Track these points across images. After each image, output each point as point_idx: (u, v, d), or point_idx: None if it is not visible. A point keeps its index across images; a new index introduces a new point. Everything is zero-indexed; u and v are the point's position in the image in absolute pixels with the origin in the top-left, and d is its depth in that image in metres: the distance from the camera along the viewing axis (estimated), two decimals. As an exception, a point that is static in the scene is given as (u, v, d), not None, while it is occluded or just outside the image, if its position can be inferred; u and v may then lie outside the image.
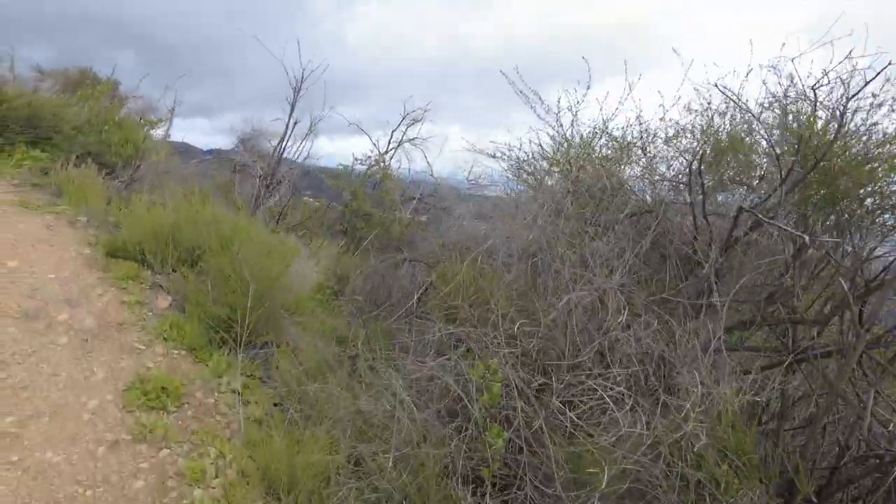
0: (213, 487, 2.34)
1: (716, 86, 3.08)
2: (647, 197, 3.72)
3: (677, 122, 3.76)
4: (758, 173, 3.64)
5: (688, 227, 3.52)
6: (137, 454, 2.44)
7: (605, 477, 2.04)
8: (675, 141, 3.62)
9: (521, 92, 4.07)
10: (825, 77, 2.85)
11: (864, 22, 2.72)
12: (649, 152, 3.81)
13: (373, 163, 10.40)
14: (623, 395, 2.38)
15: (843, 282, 2.54)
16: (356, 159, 10.21)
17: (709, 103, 3.44)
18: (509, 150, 4.49)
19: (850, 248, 3.08)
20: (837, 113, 2.81)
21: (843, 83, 2.79)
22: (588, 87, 3.86)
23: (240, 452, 2.54)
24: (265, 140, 12.45)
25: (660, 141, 3.79)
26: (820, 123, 2.96)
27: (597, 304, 2.98)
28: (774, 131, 2.92)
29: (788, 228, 2.62)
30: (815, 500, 2.42)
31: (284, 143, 7.02)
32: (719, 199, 3.84)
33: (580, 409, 2.32)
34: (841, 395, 2.58)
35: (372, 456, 2.32)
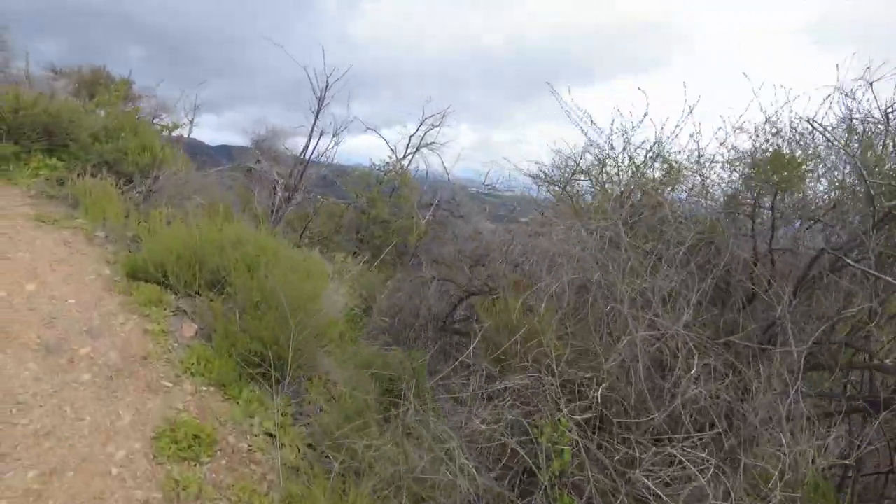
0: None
1: (811, 123, 2.82)
2: (703, 225, 3.48)
3: (735, 148, 3.52)
4: (815, 201, 3.41)
5: (747, 259, 3.28)
6: (169, 514, 2.24)
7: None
8: (736, 166, 3.38)
9: (567, 111, 3.83)
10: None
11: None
12: (707, 177, 3.57)
13: (390, 168, 10.20)
14: (704, 460, 2.16)
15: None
16: (374, 164, 10.01)
17: (777, 130, 3.20)
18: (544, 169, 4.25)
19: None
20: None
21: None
22: (645, 114, 3.61)
23: (278, 510, 2.34)
24: (280, 142, 12.28)
25: (717, 166, 3.55)
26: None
27: (664, 348, 2.75)
28: (860, 167, 2.67)
29: (882, 276, 2.38)
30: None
31: (309, 153, 6.79)
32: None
33: (660, 477, 2.10)
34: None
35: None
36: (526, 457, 2.20)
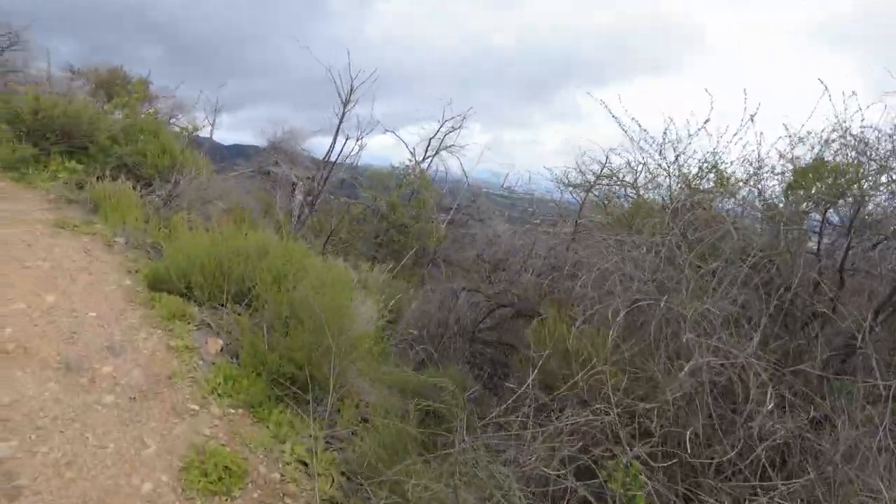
0: None
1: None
2: (765, 241, 3.24)
3: (796, 157, 3.28)
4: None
5: (814, 279, 3.04)
6: (200, 557, 2.05)
7: None
8: (802, 183, 3.13)
9: (623, 126, 3.60)
10: None
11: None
12: (764, 191, 3.33)
13: (409, 171, 10.01)
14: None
15: None
16: (394, 167, 9.83)
17: (826, 139, 2.96)
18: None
19: None
20: None
21: None
22: (706, 120, 3.37)
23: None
24: (297, 143, 12.14)
25: (776, 178, 3.31)
26: None
27: (731, 377, 2.52)
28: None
29: None
30: None
31: (334, 158, 6.61)
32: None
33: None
34: None
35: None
36: (596, 505, 1.98)
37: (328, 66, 5.34)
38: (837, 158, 3.31)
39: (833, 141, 3.26)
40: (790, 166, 3.27)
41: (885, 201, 2.99)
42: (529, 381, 2.44)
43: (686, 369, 2.61)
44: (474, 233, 10.25)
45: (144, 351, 3.07)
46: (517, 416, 2.52)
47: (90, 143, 5.81)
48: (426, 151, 10.23)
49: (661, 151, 3.64)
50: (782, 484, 2.00)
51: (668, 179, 4.02)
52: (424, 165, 10.15)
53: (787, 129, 3.17)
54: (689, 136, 3.45)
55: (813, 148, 3.33)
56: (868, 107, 3.05)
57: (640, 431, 2.52)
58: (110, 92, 14.45)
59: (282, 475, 2.59)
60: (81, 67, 14.31)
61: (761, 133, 3.24)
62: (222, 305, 3.74)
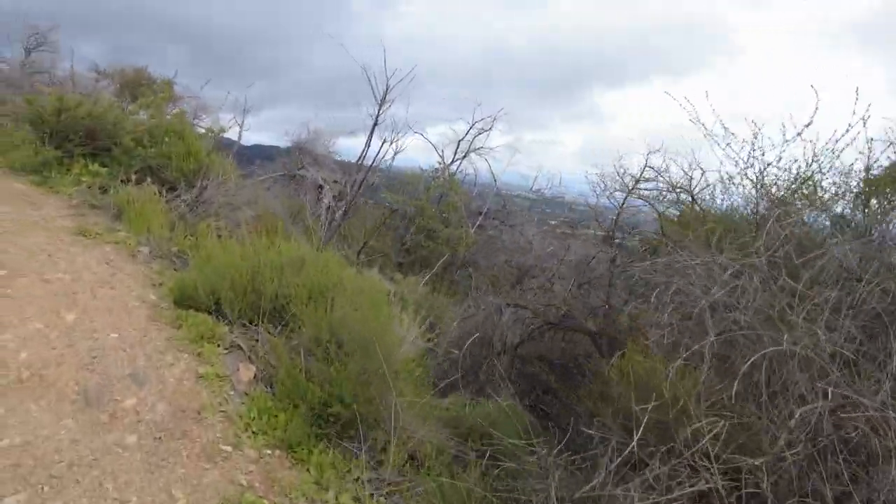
0: None
1: None
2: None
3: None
4: None
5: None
6: None
7: None
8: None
9: (709, 134, 3.19)
10: None
11: None
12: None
13: (438, 174, 9.66)
14: None
15: None
16: (423, 170, 9.50)
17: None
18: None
19: None
20: None
21: None
22: (808, 125, 2.95)
23: None
24: (323, 144, 11.88)
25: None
26: None
27: (863, 430, 2.11)
28: None
29: None
30: None
31: (365, 161, 6.29)
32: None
33: None
34: None
35: None
36: None
37: (362, 64, 5.06)
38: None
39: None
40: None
41: None
42: (634, 443, 2.05)
43: (797, 416, 2.21)
44: (504, 238, 9.88)
45: (171, 379, 2.76)
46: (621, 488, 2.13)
47: (114, 145, 5.57)
48: (455, 154, 9.88)
49: (749, 156, 3.20)
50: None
51: (743, 188, 3.61)
52: (453, 168, 9.80)
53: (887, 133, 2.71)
54: (785, 142, 3.01)
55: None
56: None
57: (747, 494, 2.13)
58: (135, 92, 14.40)
59: (326, 532, 2.25)
60: (107, 68, 14.30)
61: (871, 140, 2.79)
62: (254, 324, 3.43)
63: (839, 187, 3.16)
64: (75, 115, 5.16)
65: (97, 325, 3.04)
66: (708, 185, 5.75)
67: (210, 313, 3.41)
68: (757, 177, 3.21)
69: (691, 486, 1.99)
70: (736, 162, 3.24)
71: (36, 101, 5.17)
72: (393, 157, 7.10)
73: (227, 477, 2.30)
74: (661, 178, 6.55)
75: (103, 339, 2.93)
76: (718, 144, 3.30)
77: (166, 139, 5.82)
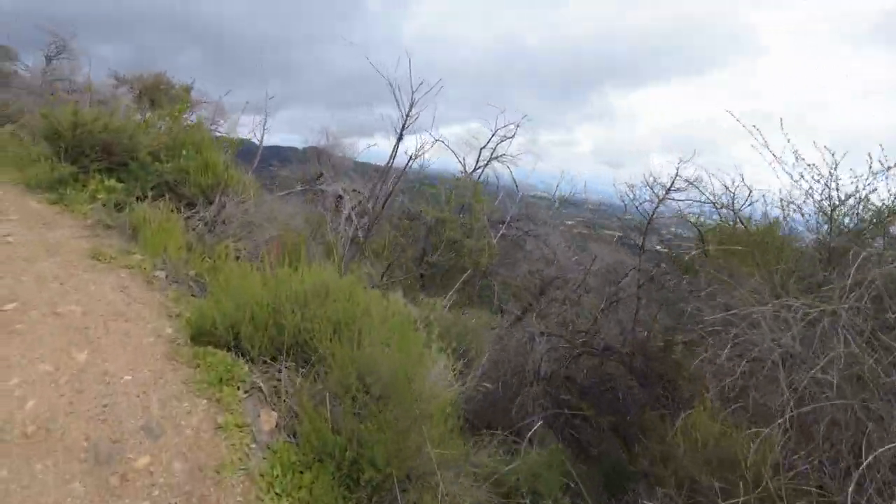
0: None
1: None
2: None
3: None
4: None
5: None
6: None
7: None
8: None
9: (777, 158, 2.88)
10: None
11: None
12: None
13: (459, 183, 9.39)
14: None
15: None
16: (444, 179, 9.24)
17: None
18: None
19: None
20: None
21: None
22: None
23: None
24: (340, 149, 11.69)
25: None
26: None
27: None
28: None
29: None
30: None
31: (396, 179, 6.04)
32: None
33: None
34: None
35: None
36: None
37: (388, 77, 4.83)
38: None
39: None
40: None
41: None
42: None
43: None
44: (529, 249, 9.59)
45: (187, 431, 2.54)
46: None
47: (131, 160, 5.40)
48: (476, 162, 9.61)
49: (827, 185, 2.87)
50: None
51: (803, 214, 3.28)
52: (475, 175, 9.52)
53: None
54: (873, 175, 2.67)
55: None
56: None
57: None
58: (154, 98, 14.40)
59: None
60: (126, 74, 14.31)
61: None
62: (276, 360, 3.20)
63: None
64: (91, 130, 5.00)
65: (109, 365, 2.83)
66: (752, 203, 5.41)
67: (229, 349, 3.19)
68: (830, 206, 2.88)
69: None
70: (809, 192, 2.90)
71: (51, 116, 5.01)
72: (411, 161, 6.85)
73: (249, 553, 2.06)
74: (700, 191, 6.21)
75: (115, 382, 2.72)
76: (787, 172, 2.97)
77: (184, 152, 5.65)
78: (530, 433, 3.55)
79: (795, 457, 2.15)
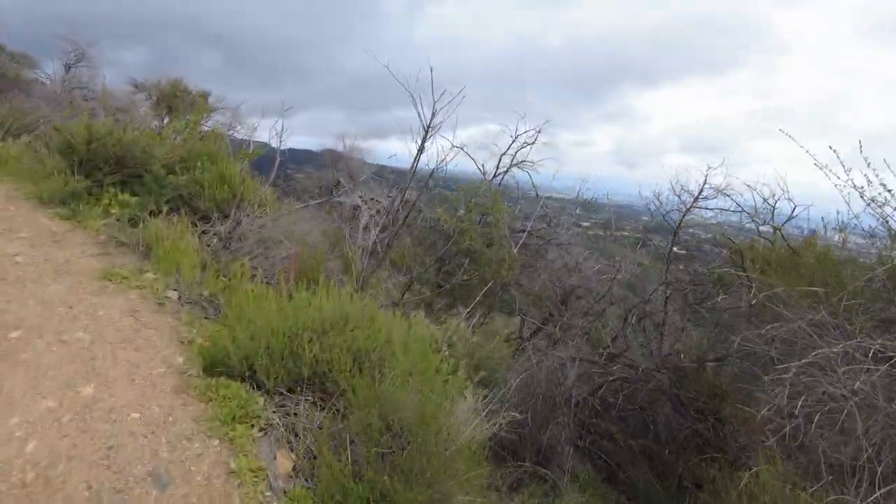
0: None
1: None
2: None
3: None
4: None
5: None
6: None
7: None
8: None
9: (850, 184, 2.60)
10: None
11: None
12: None
13: (479, 191, 9.16)
14: None
15: None
16: (462, 187, 9.01)
17: None
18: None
19: None
20: None
21: None
22: None
23: None
24: (356, 156, 11.56)
25: None
26: None
27: None
28: None
29: None
30: None
31: (417, 197, 5.83)
32: None
33: None
34: None
35: None
36: None
37: (410, 89, 4.64)
38: None
39: None
40: None
41: None
42: None
43: None
44: (552, 258, 9.32)
45: (198, 477, 2.34)
46: None
47: (145, 172, 5.27)
48: (496, 168, 9.37)
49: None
50: None
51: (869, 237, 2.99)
52: (496, 181, 9.28)
53: None
54: None
55: None
56: None
57: None
58: (172, 105, 14.42)
59: None
60: (144, 81, 14.37)
61: None
62: (293, 392, 3.00)
63: None
64: (105, 143, 4.87)
65: (116, 400, 2.66)
66: (792, 217, 5.08)
67: (243, 380, 2.99)
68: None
69: None
70: (880, 211, 2.61)
71: (64, 130, 4.90)
72: (431, 176, 6.62)
73: None
74: (737, 203, 5.90)
75: (122, 420, 2.54)
76: (853, 188, 2.68)
77: (198, 164, 5.51)
78: (564, 467, 3.30)
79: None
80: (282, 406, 2.89)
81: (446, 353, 3.96)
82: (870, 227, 2.82)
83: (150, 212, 4.93)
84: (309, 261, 4.54)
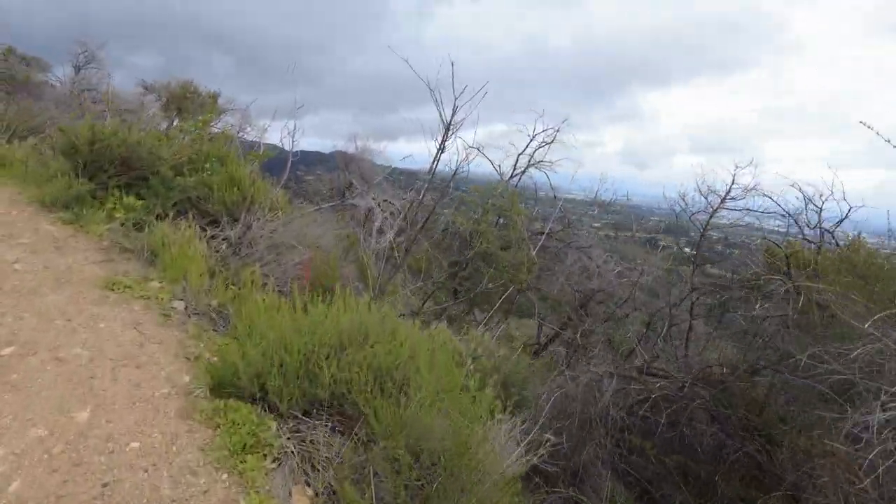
0: None
1: None
2: None
3: None
4: None
5: None
6: None
7: None
8: None
9: None
10: None
11: None
12: None
13: (496, 192, 8.85)
14: None
15: None
16: (478, 188, 8.72)
17: None
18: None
19: None
20: None
21: None
22: None
23: None
24: (368, 158, 11.30)
25: None
26: None
27: None
28: None
29: None
30: None
31: (435, 202, 5.55)
32: None
33: None
34: None
35: None
36: None
37: (431, 84, 4.36)
38: None
39: None
40: None
41: None
42: None
43: None
44: (572, 261, 9.00)
45: (204, 519, 2.07)
46: None
47: (151, 174, 5.04)
48: (514, 168, 9.06)
49: None
50: None
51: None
52: (514, 182, 8.97)
53: None
54: None
55: None
56: None
57: None
58: (181, 106, 14.27)
59: None
60: (153, 82, 14.24)
61: None
62: (309, 415, 2.72)
63: None
64: (110, 144, 4.64)
65: (114, 427, 2.39)
66: (844, 220, 4.71)
67: (254, 401, 2.72)
68: None
69: None
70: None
71: (68, 131, 4.68)
72: (451, 180, 6.33)
73: None
74: (778, 205, 5.54)
75: (120, 451, 2.27)
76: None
77: (207, 166, 5.27)
78: (601, 493, 2.99)
79: None
80: (296, 432, 2.61)
81: (472, 367, 3.67)
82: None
83: (157, 215, 4.69)
84: (323, 267, 4.27)
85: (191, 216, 4.64)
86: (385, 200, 7.81)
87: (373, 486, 2.20)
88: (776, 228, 7.73)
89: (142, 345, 3.07)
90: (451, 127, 4.64)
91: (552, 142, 8.94)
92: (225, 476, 2.28)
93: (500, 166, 9.06)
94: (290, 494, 2.25)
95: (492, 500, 2.27)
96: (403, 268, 5.74)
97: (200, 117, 5.75)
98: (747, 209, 7.67)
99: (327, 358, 2.75)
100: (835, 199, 4.28)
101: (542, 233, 8.86)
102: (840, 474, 2.16)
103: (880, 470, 1.93)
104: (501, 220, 8.53)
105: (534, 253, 8.59)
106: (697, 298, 7.37)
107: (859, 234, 4.97)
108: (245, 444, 2.39)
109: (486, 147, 8.74)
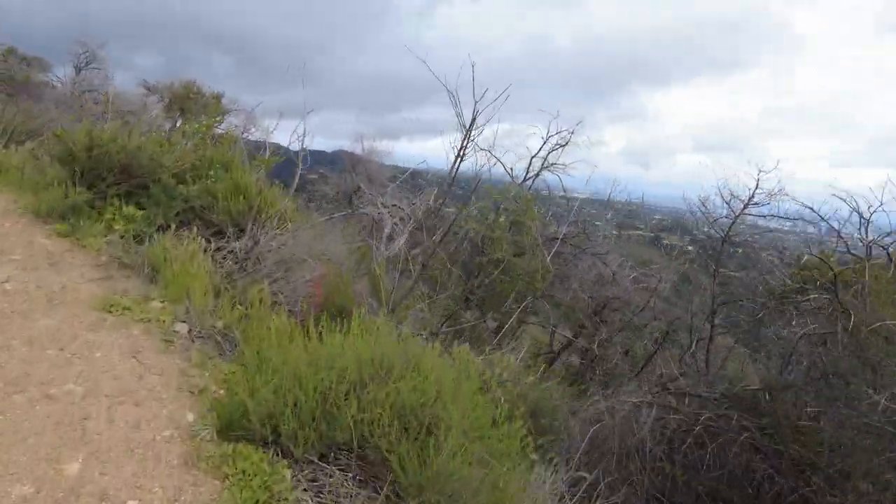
0: None
1: None
2: None
3: None
4: None
5: None
6: None
7: None
8: None
9: None
10: None
11: None
12: None
13: (508, 195, 8.56)
14: None
15: None
16: (493, 191, 8.43)
17: None
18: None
19: None
20: None
21: None
22: None
23: None
24: (375, 159, 11.02)
25: None
26: None
27: None
28: None
29: None
30: None
31: (456, 216, 5.28)
32: None
33: None
34: None
35: None
36: None
37: (451, 87, 4.09)
38: None
39: None
40: None
41: None
42: None
43: None
44: (586, 267, 8.72)
45: None
46: None
47: (153, 182, 4.77)
48: (527, 171, 8.76)
49: None
50: None
51: None
52: (527, 185, 8.69)
53: None
54: None
55: None
56: None
57: None
58: (184, 107, 14.00)
59: None
60: (156, 83, 13.98)
61: None
62: (326, 460, 2.45)
63: None
64: (108, 151, 4.37)
65: (109, 481, 2.12)
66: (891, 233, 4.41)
67: (266, 444, 2.45)
68: None
69: None
70: None
71: (65, 136, 4.41)
72: (471, 196, 6.05)
73: None
74: (819, 216, 5.24)
75: (116, 511, 2.01)
76: None
77: (211, 172, 5.00)
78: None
79: None
80: (313, 481, 2.34)
81: (498, 395, 3.40)
82: None
83: (158, 226, 4.42)
84: (335, 283, 3.99)
85: (195, 228, 4.37)
86: (394, 205, 7.53)
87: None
88: (803, 234, 7.42)
89: (141, 376, 2.80)
90: (471, 132, 4.36)
91: (566, 144, 8.65)
92: (235, 540, 2.01)
93: (512, 169, 8.78)
94: (308, 562, 1.98)
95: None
96: (419, 283, 5.47)
97: (204, 120, 5.48)
98: (772, 215, 7.37)
99: (346, 397, 2.48)
100: (884, 210, 3.97)
101: (557, 238, 8.58)
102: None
103: None
104: (514, 226, 8.25)
105: (548, 260, 8.31)
106: (717, 308, 7.07)
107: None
108: (258, 501, 2.12)
109: (492, 147, 8.44)
